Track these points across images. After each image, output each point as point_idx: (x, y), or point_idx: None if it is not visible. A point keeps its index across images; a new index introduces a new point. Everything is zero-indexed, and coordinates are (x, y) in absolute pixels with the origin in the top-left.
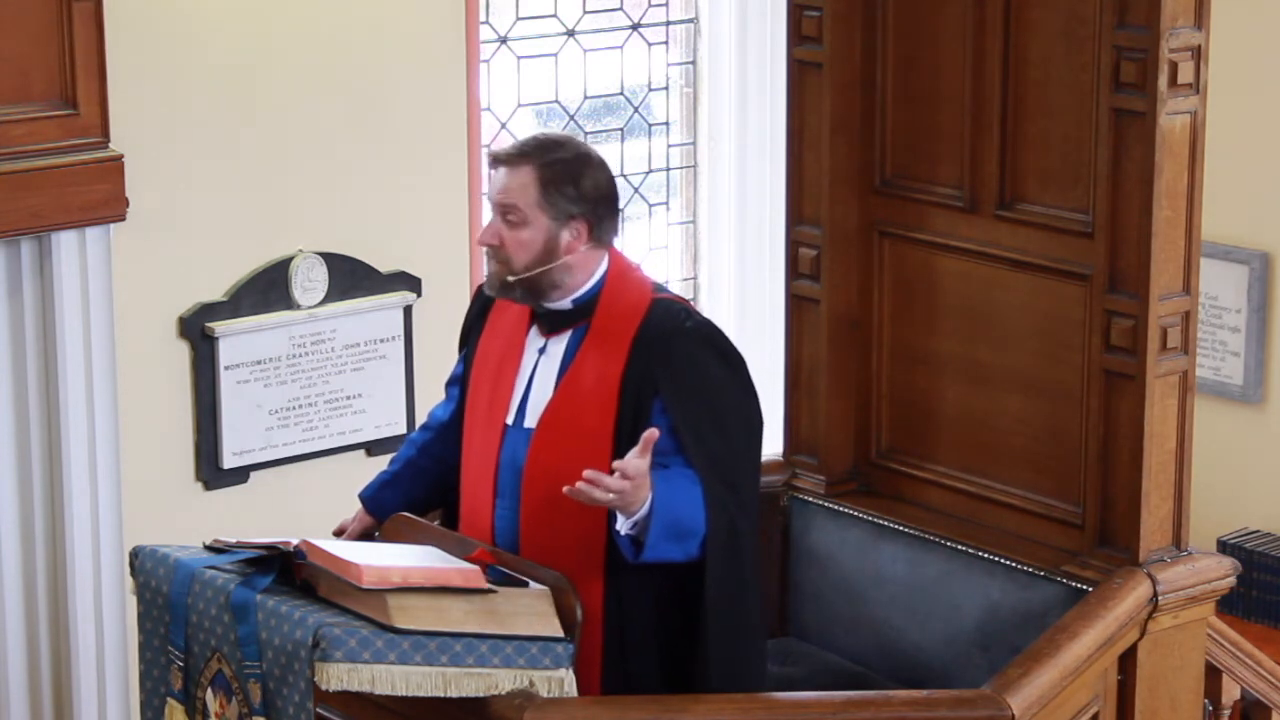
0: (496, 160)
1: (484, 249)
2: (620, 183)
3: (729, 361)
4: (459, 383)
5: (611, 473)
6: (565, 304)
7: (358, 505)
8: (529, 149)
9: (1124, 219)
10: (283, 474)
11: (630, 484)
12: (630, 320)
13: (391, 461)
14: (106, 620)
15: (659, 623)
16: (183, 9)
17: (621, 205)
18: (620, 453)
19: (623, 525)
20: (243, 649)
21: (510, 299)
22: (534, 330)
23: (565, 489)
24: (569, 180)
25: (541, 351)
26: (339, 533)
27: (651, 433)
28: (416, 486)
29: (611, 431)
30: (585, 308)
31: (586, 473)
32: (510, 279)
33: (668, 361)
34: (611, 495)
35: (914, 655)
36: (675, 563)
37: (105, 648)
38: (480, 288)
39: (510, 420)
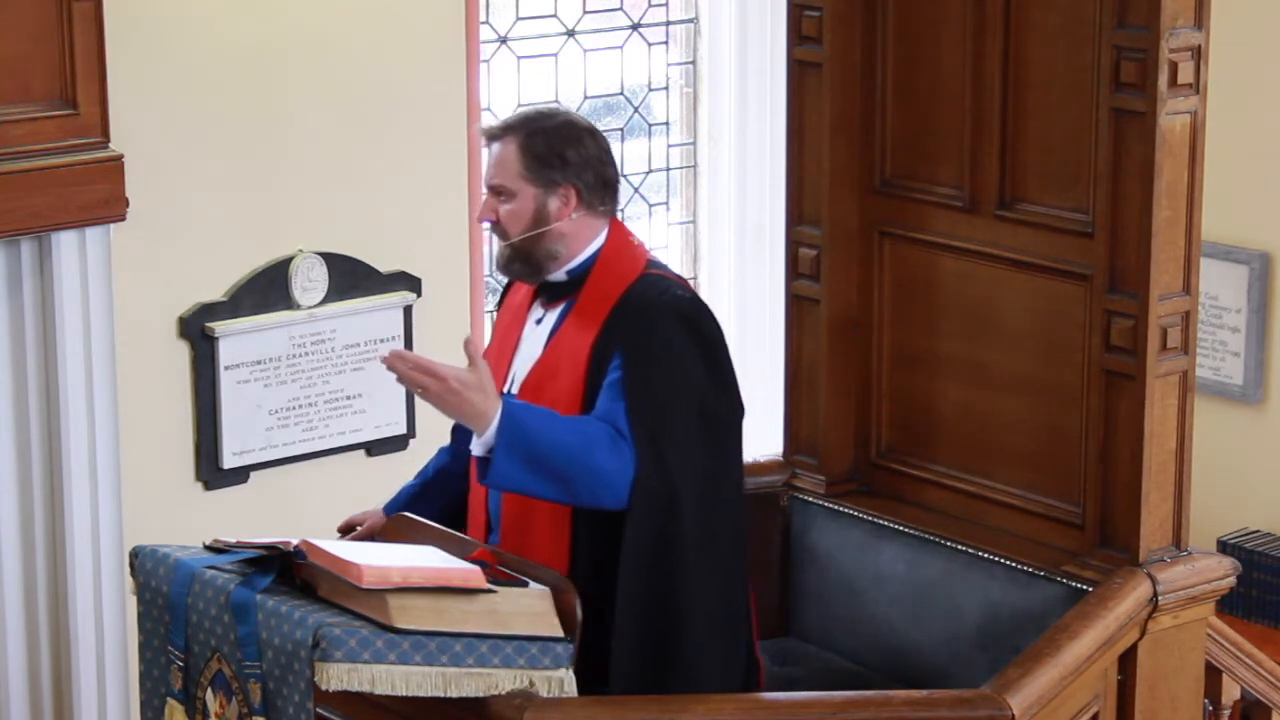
0: (485, 136)
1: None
2: (620, 183)
3: (697, 337)
4: None
5: None
6: (560, 275)
7: (357, 505)
8: (513, 123)
9: (1124, 219)
10: (283, 474)
11: (433, 382)
12: (614, 292)
13: (419, 473)
14: (106, 620)
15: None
16: (183, 9)
17: (619, 174)
18: None
19: (474, 446)
20: (243, 649)
21: (515, 276)
22: (536, 304)
23: (378, 356)
24: (551, 148)
25: (538, 323)
26: (349, 527)
27: (467, 339)
28: (445, 495)
29: (580, 397)
30: (579, 280)
31: (392, 350)
32: (504, 247)
33: (633, 328)
34: (418, 378)
35: (914, 655)
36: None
37: (105, 648)
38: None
39: (506, 389)
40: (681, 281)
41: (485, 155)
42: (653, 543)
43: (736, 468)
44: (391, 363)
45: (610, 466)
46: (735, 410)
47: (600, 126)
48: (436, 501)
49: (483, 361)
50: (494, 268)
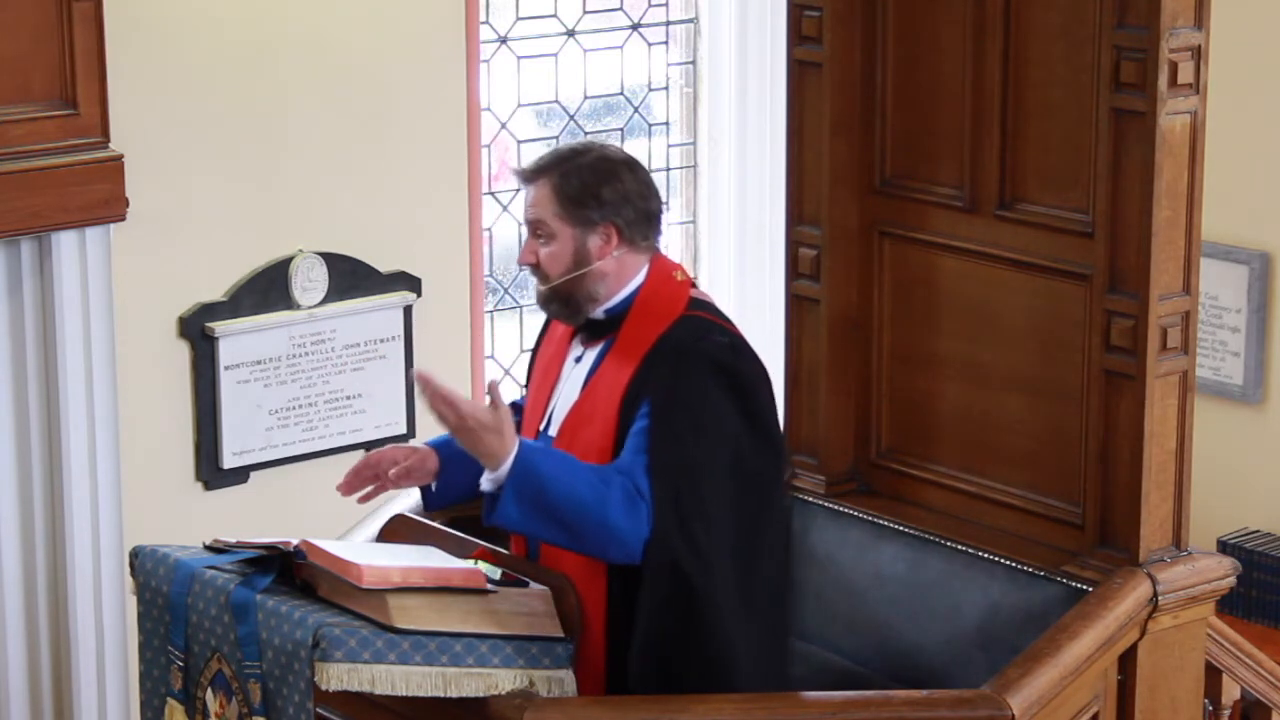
0: (519, 178)
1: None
2: (663, 214)
3: (734, 387)
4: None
5: None
6: (599, 314)
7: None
8: (545, 163)
9: (1124, 219)
10: (283, 474)
11: (451, 415)
12: (651, 334)
13: None
14: (106, 620)
15: None
16: (183, 9)
17: (662, 205)
18: None
19: (484, 481)
20: (243, 649)
21: (554, 317)
22: (576, 340)
23: (415, 369)
24: (586, 188)
25: (577, 361)
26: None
27: (495, 382)
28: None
29: (612, 444)
30: (618, 318)
31: (422, 372)
32: (544, 289)
33: (665, 376)
34: (439, 408)
35: (914, 655)
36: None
37: (105, 648)
38: None
39: (542, 426)
40: (724, 322)
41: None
42: (672, 606)
43: (778, 518)
44: (420, 383)
45: (622, 525)
46: (776, 461)
47: (600, 127)
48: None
49: (504, 405)
50: (539, 306)
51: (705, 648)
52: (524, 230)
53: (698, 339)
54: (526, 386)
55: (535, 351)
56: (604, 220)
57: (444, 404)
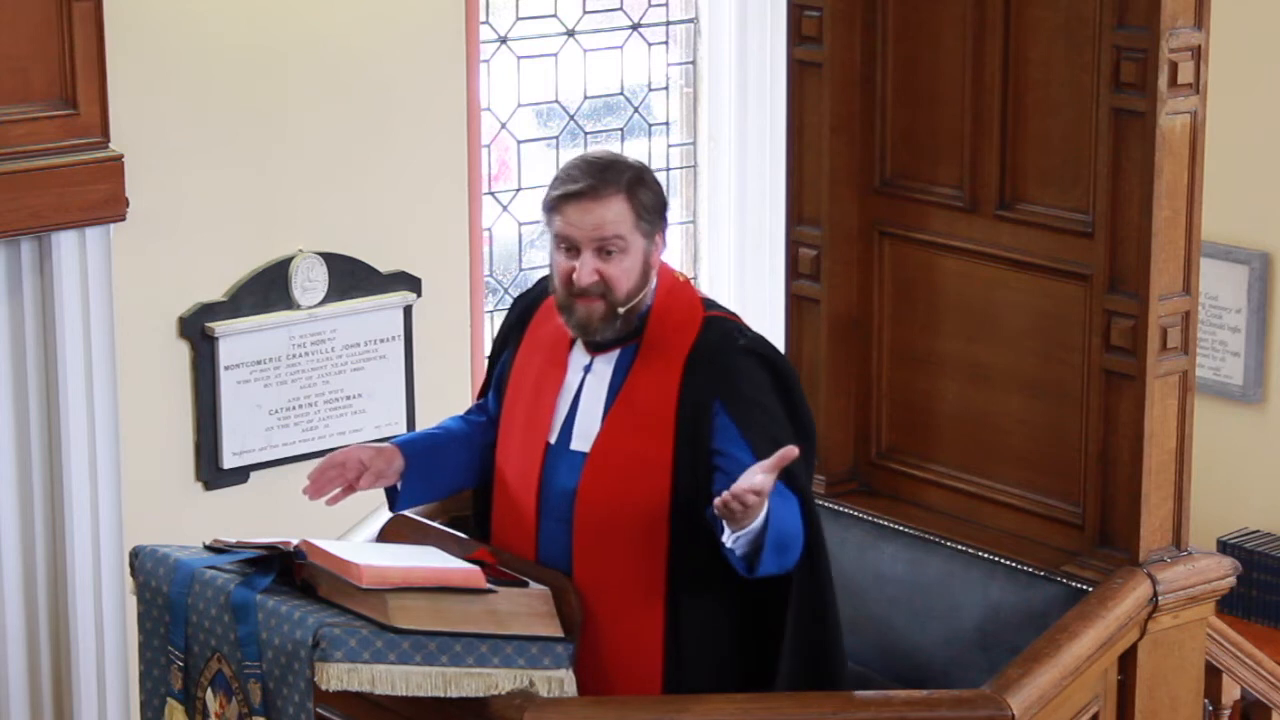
0: (576, 196)
1: (581, 289)
2: None
3: (782, 379)
4: (495, 390)
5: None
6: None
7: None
8: (607, 175)
9: (1124, 219)
10: (283, 474)
11: (757, 498)
12: (683, 340)
13: (440, 425)
14: (106, 620)
15: (719, 647)
16: (183, 9)
17: None
18: (679, 477)
19: (731, 540)
20: (243, 649)
21: (604, 337)
22: (578, 347)
23: (716, 502)
24: (650, 194)
25: (588, 370)
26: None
27: (790, 451)
28: (465, 453)
29: (670, 455)
30: (634, 326)
31: (736, 489)
32: (620, 311)
33: (725, 378)
34: (753, 500)
35: (914, 655)
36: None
37: (105, 648)
38: (520, 297)
39: (553, 440)
40: (736, 319)
41: (560, 217)
42: (813, 604)
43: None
44: (736, 498)
45: (799, 530)
46: (814, 449)
47: (600, 127)
48: (457, 457)
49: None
50: (583, 333)
51: (835, 641)
52: (562, 245)
53: (737, 339)
54: (496, 392)
55: (508, 357)
56: (659, 230)
57: (753, 494)
